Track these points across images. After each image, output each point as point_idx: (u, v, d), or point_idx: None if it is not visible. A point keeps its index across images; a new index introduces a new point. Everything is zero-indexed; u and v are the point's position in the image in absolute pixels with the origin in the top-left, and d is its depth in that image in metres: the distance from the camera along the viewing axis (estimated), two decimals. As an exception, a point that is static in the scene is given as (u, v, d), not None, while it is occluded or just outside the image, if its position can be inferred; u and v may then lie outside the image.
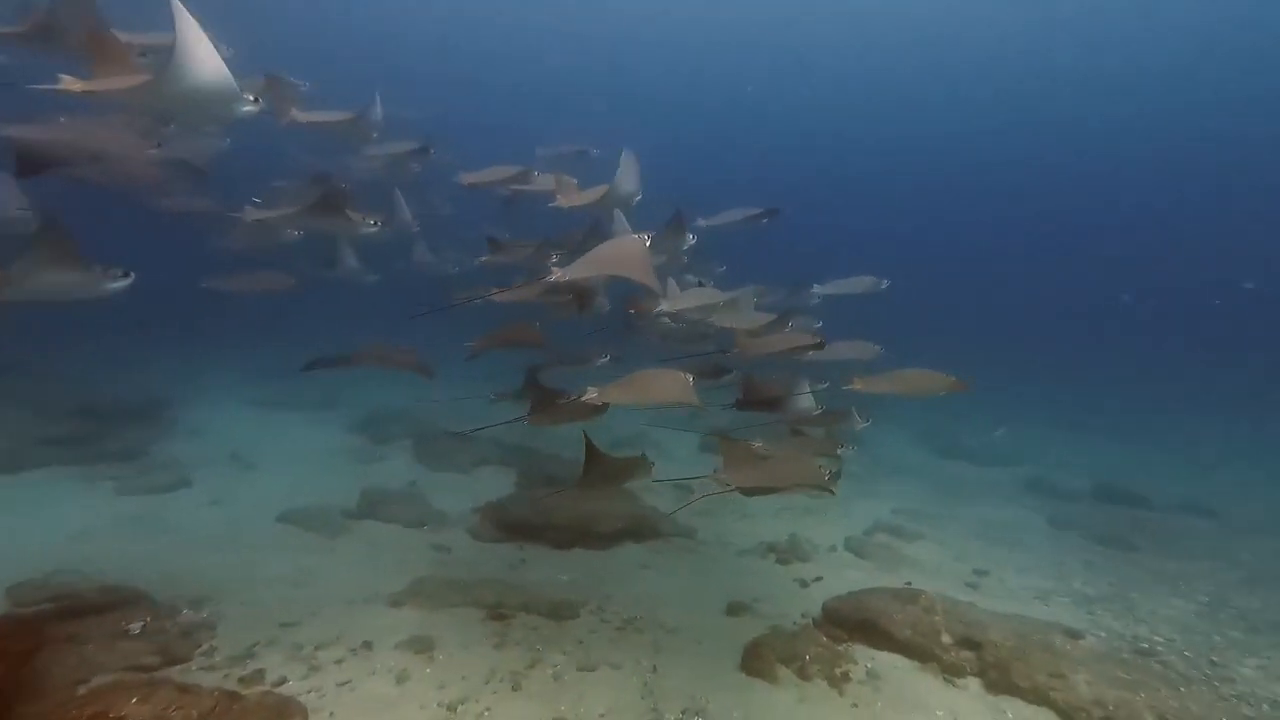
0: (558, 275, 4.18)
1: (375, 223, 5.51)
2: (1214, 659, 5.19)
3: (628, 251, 4.13)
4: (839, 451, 5.18)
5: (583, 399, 4.16)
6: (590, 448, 4.62)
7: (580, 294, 5.49)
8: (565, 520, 6.79)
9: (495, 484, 8.38)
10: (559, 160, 8.63)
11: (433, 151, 7.58)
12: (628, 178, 5.48)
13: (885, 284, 7.12)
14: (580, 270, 4.15)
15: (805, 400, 5.21)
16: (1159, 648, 5.31)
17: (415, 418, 11.00)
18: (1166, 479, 11.65)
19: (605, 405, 4.31)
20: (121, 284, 4.03)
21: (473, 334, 5.76)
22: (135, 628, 4.23)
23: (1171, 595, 6.72)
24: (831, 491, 4.11)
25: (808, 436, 5.34)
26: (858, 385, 4.81)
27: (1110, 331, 31.07)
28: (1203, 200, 35.73)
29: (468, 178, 7.00)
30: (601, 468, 4.69)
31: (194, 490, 7.69)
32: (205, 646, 4.31)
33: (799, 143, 37.96)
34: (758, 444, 4.69)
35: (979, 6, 27.23)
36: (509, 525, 6.89)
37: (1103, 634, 5.50)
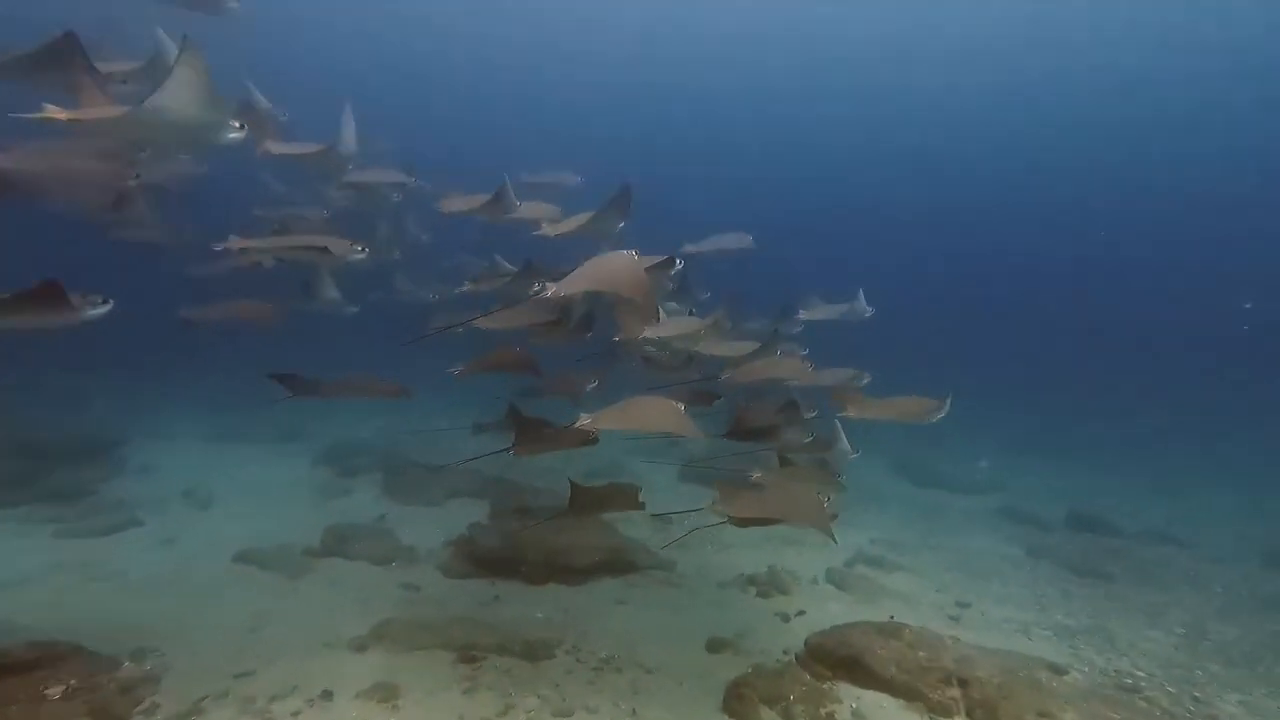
0: (552, 291, 4.13)
1: (363, 249, 5.41)
2: (1196, 694, 5.15)
3: (621, 267, 4.06)
4: (838, 478, 5.09)
5: (576, 426, 4.09)
6: (575, 486, 4.59)
7: (572, 317, 5.47)
8: (540, 554, 6.56)
9: (468, 517, 8.07)
10: (544, 187, 8.64)
11: (414, 180, 7.53)
12: (615, 207, 5.44)
13: (869, 311, 7.16)
14: (574, 285, 4.11)
15: (798, 429, 5.15)
16: (1142, 683, 5.25)
17: (385, 449, 10.67)
18: (1135, 505, 11.80)
19: (595, 434, 4.26)
20: (101, 311, 3.98)
21: (450, 361, 5.62)
22: (54, 692, 3.86)
23: (1149, 627, 6.72)
24: (833, 539, 3.99)
25: (802, 466, 5.27)
26: (850, 411, 4.76)
27: (1086, 354, 31.11)
28: (1201, 212, 35.20)
29: (448, 205, 6.96)
30: (588, 497, 4.63)
31: (143, 531, 7.26)
32: (147, 703, 3.99)
33: (783, 160, 37.71)
34: (756, 474, 4.61)
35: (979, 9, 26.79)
36: (482, 560, 6.63)
37: (1086, 669, 5.43)
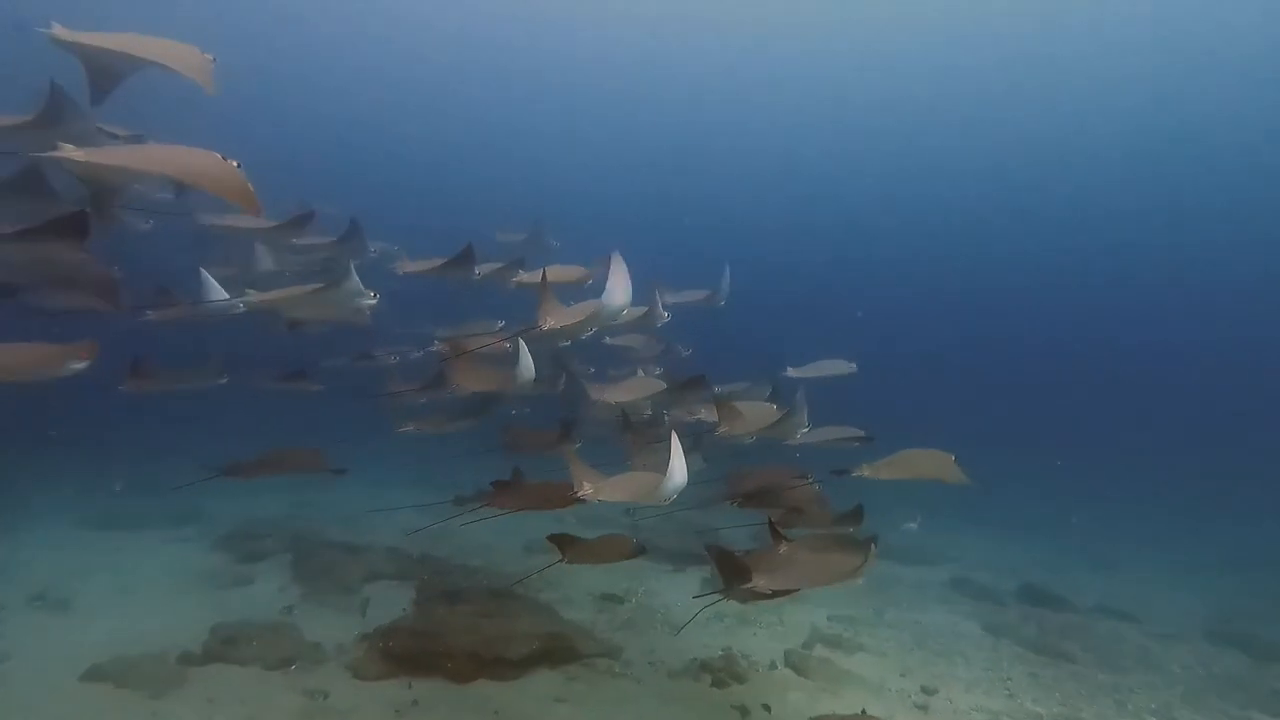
0: (549, 323, 4.36)
1: (375, 296, 5.15)
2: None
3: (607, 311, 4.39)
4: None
5: (577, 495, 4.19)
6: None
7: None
8: (467, 645, 5.74)
9: (389, 603, 7.12)
10: (518, 245, 8.66)
11: (374, 250, 7.31)
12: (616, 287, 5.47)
13: (853, 368, 7.26)
14: (565, 318, 4.45)
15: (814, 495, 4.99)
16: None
17: (296, 528, 9.57)
18: (1080, 576, 11.76)
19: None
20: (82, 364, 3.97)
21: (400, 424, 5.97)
22: None
23: (1119, 714, 6.43)
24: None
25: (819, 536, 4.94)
26: (865, 472, 4.56)
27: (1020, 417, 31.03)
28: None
29: (405, 267, 6.82)
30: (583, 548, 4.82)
31: (-32, 647, 5.81)
32: None
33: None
34: (781, 547, 4.37)
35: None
36: (399, 656, 5.74)
37: (1067, 762, 5.05)
